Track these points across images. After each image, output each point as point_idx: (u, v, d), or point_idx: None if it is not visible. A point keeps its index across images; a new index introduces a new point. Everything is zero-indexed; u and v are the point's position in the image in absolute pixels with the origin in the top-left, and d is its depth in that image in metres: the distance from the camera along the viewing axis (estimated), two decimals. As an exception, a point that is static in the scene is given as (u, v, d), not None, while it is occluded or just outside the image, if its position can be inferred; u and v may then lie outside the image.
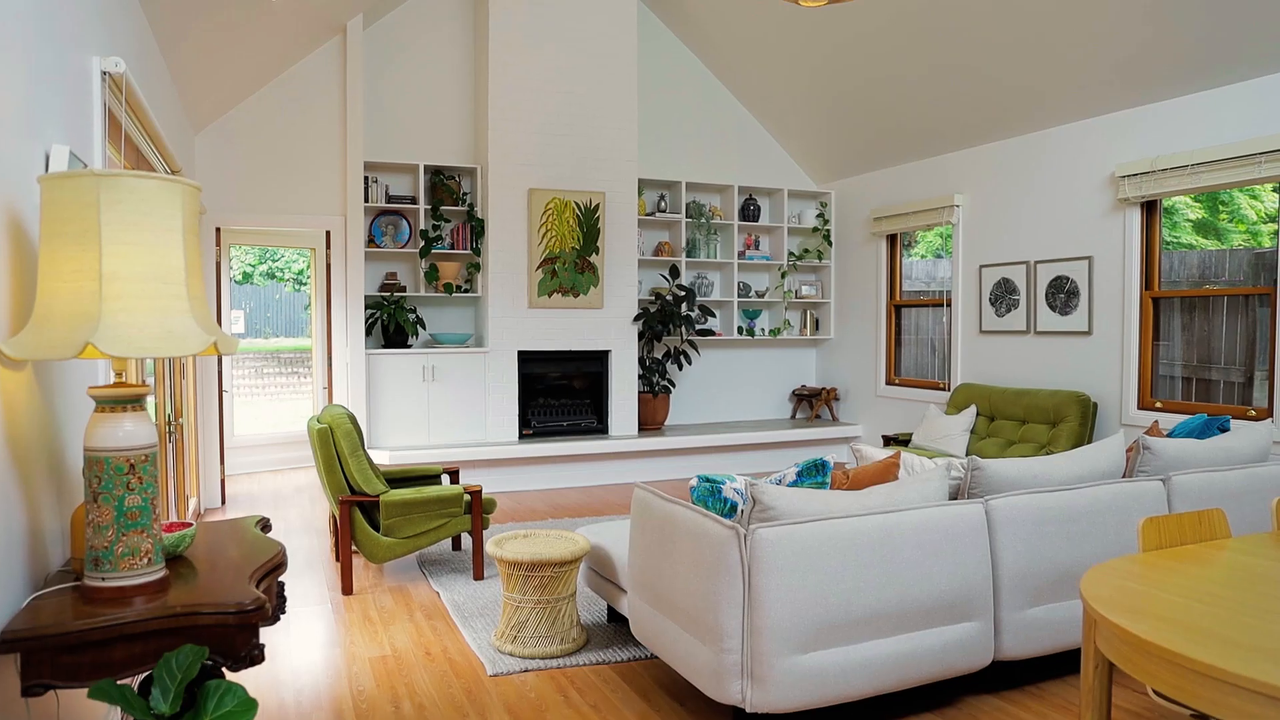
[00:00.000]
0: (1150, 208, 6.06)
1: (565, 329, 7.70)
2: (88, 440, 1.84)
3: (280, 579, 2.28)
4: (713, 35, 8.20)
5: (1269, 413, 5.33)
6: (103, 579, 1.83)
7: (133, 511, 1.85)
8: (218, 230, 6.95)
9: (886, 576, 2.88)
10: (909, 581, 2.92)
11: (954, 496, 3.41)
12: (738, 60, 8.32)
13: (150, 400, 4.50)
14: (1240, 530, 3.63)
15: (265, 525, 2.50)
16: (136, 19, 3.95)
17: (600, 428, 7.96)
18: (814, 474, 3.11)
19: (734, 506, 3.06)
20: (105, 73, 2.95)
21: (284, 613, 2.31)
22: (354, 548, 4.80)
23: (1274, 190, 5.60)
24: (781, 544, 2.73)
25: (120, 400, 1.88)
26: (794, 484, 3.11)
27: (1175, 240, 6.07)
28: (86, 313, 1.75)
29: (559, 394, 7.97)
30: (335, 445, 4.72)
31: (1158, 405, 5.98)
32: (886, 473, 3.34)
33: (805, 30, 7.24)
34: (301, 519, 6.40)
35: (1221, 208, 5.95)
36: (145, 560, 1.87)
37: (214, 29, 5.25)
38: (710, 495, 3.06)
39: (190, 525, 2.19)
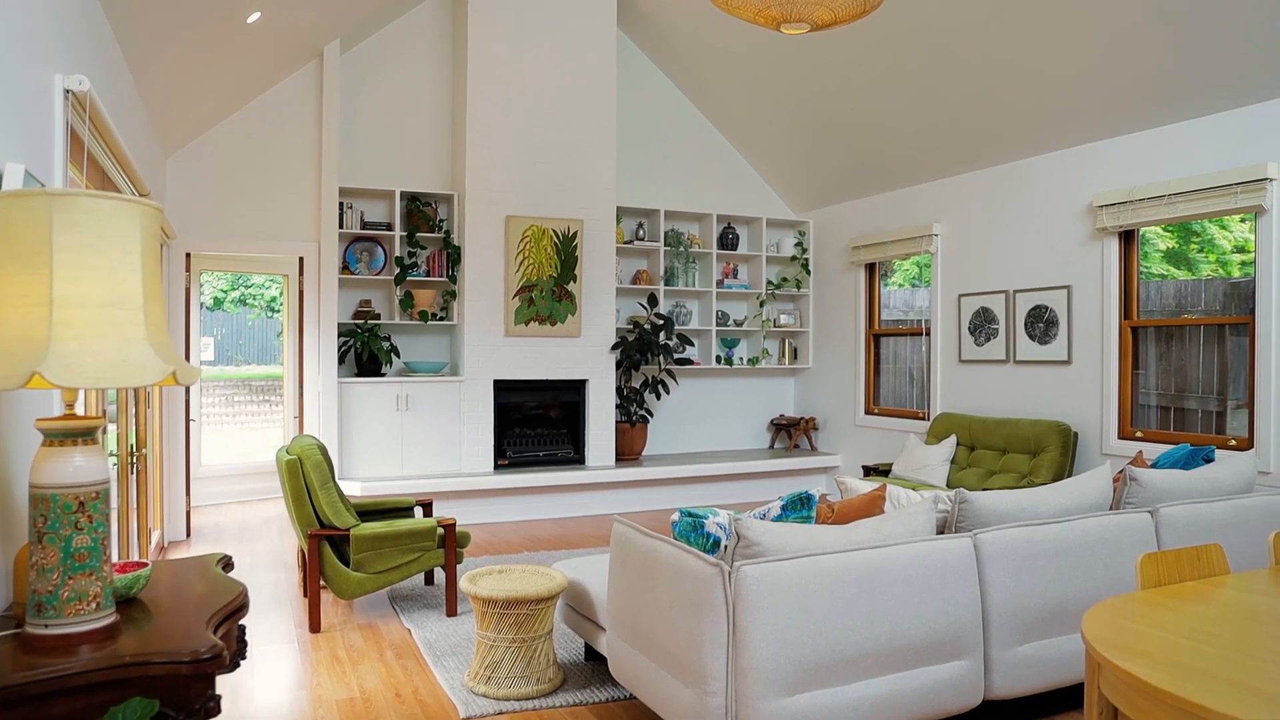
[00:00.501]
0: (1128, 237, 6.08)
1: (542, 358, 7.60)
2: (33, 476, 1.73)
3: (241, 622, 2.16)
4: (691, 63, 8.21)
5: (1249, 442, 5.32)
6: (46, 626, 1.71)
7: (81, 553, 1.73)
8: (188, 256, 6.81)
9: (874, 614, 2.79)
10: (897, 619, 2.83)
11: (941, 530, 3.33)
12: (716, 88, 8.32)
13: (111, 429, 4.35)
14: (1231, 563, 3.57)
15: (227, 564, 2.38)
16: (105, 38, 3.86)
17: (577, 458, 7.84)
18: (799, 508, 3.03)
19: (717, 542, 2.97)
20: (68, 91, 2.84)
21: (244, 658, 2.19)
22: (323, 583, 4.65)
23: (1241, 220, 5.63)
24: (767, 581, 2.63)
25: (70, 433, 1.76)
26: (779, 518, 3.03)
27: (1147, 270, 6.08)
28: (35, 340, 1.65)
29: (535, 424, 7.86)
30: (304, 477, 4.58)
31: (1138, 435, 5.96)
32: (872, 506, 3.26)
33: (784, 59, 7.25)
34: (269, 553, 6.22)
35: (1193, 238, 5.98)
36: (93, 605, 1.75)
37: (187, 52, 5.16)
38: (692, 530, 2.97)
39: (145, 565, 2.07)
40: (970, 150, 6.97)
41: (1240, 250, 5.79)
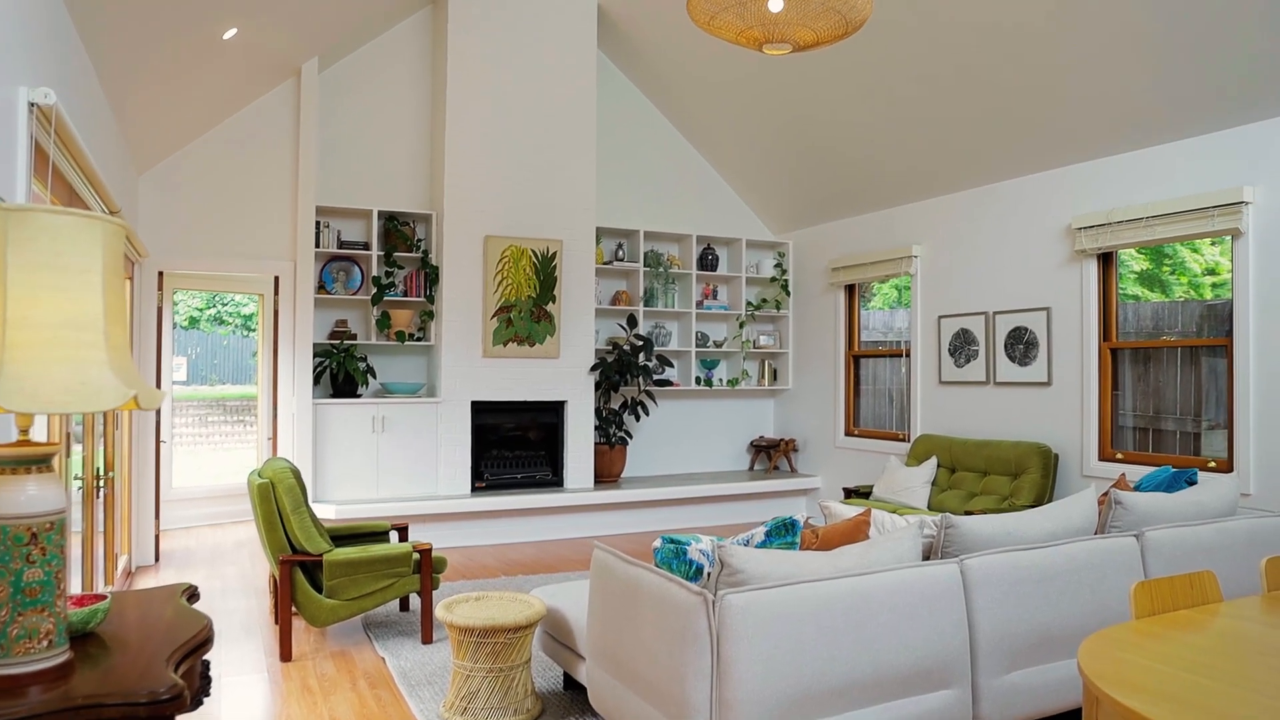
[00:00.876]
0: (1106, 259, 6.10)
1: (520, 379, 7.52)
2: (-16, 506, 1.63)
3: (205, 657, 2.06)
4: (671, 84, 8.20)
5: (1229, 464, 5.32)
6: (-5, 665, 1.61)
7: (32, 588, 1.64)
8: (160, 274, 6.69)
9: (861, 643, 2.73)
10: (884, 648, 2.77)
11: (927, 555, 3.28)
12: (696, 110, 8.32)
13: (77, 452, 4.23)
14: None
15: (192, 595, 2.28)
16: (75, 52, 3.77)
17: (555, 480, 7.75)
18: (783, 534, 2.96)
19: (700, 569, 2.90)
20: (33, 104, 2.76)
21: (208, 695, 2.09)
22: (295, 610, 4.53)
23: (1212, 244, 5.67)
24: (752, 610, 2.57)
25: (23, 461, 1.68)
26: (763, 545, 2.96)
27: (1122, 292, 6.11)
28: (-14, 363, 1.56)
29: (513, 445, 7.76)
30: (277, 501, 4.47)
31: (1118, 456, 5.96)
32: (857, 531, 3.21)
33: (764, 81, 7.26)
34: (240, 578, 6.08)
35: (1165, 260, 6.01)
36: (45, 643, 1.66)
37: (161, 67, 5.08)
38: (675, 557, 2.90)
39: (103, 598, 1.97)
40: (950, 172, 6.99)
41: (1211, 273, 5.83)
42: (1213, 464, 5.42)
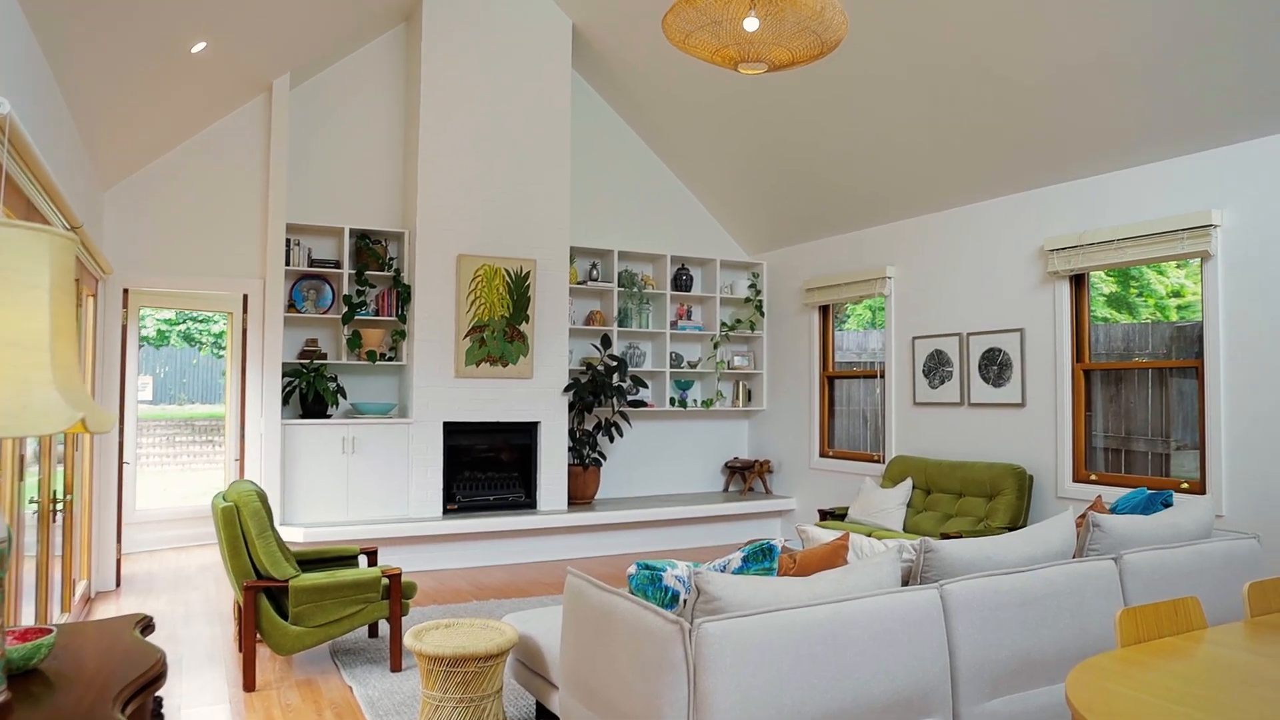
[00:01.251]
0: (1078, 281, 6.13)
1: (493, 399, 7.43)
2: (-81, 536, 1.54)
3: (158, 694, 1.97)
4: (646, 105, 8.19)
5: (1202, 485, 5.33)
6: (-73, 706, 1.52)
7: (-31, 622, 1.55)
8: (125, 291, 6.55)
9: (841, 671, 2.66)
10: (864, 676, 2.71)
11: (906, 580, 3.23)
12: (670, 130, 8.31)
13: (34, 474, 4.09)
14: (1193, 612, 3.52)
15: (146, 626, 2.18)
16: (34, 62, 3.68)
17: (528, 502, 7.65)
18: (761, 559, 2.90)
19: (675, 596, 2.83)
20: (-13, 116, 2.67)
21: (160, 733, 1.99)
22: (259, 638, 4.40)
23: (1177, 266, 5.71)
24: (730, 639, 2.50)
25: (-37, 487, 1.59)
26: (740, 570, 2.90)
27: (1092, 314, 6.14)
28: (-77, 384, 1.47)
29: (486, 467, 7.65)
30: (242, 525, 4.35)
31: (1092, 478, 5.96)
32: (835, 556, 3.15)
33: (738, 101, 7.26)
34: (205, 603, 5.92)
35: (1132, 282, 6.05)
36: (-17, 681, 1.56)
37: (128, 82, 4.98)
38: (650, 584, 2.83)
39: (49, 632, 1.87)
40: (923, 193, 7.01)
41: (1176, 295, 5.87)
42: (1185, 485, 5.43)
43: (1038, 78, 5.45)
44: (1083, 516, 4.04)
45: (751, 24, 4.30)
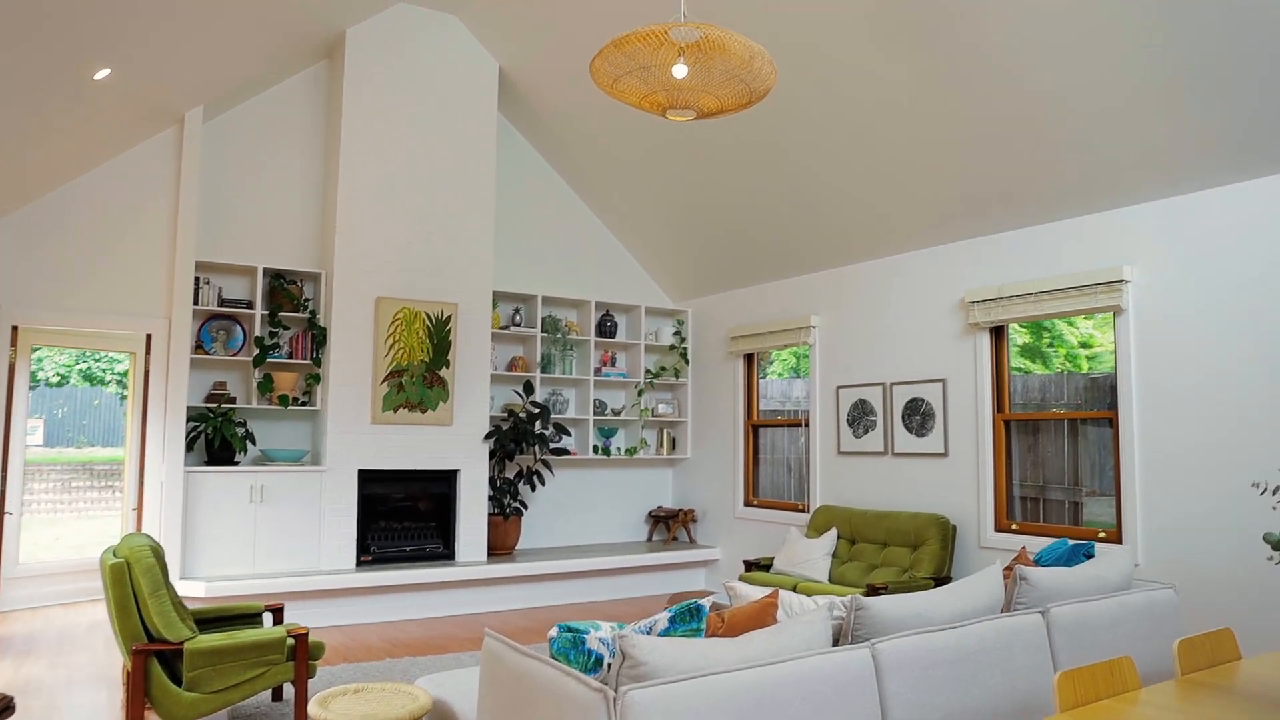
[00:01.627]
0: (998, 333, 6.23)
1: (411, 446, 7.19)
2: None
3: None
4: (572, 149, 8.15)
5: (1119, 535, 5.41)
6: None
7: None
8: (14, 329, 6.16)
9: (772, 738, 2.55)
10: (796, 742, 2.59)
11: (837, 639, 3.15)
12: (596, 175, 8.29)
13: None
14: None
15: (6, 707, 1.95)
16: (-85, 87, 3.43)
17: (446, 553, 7.38)
18: (688, 620, 2.78)
19: (599, 659, 2.69)
20: None
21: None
22: (149, 705, 4.08)
23: (1085, 319, 5.86)
24: (657, 707, 2.36)
25: None
26: (666, 632, 2.77)
27: (1010, 364, 6.25)
28: None
29: (402, 516, 7.38)
30: (133, 583, 4.05)
31: (1014, 527, 6.01)
32: (764, 614, 3.05)
33: (664, 148, 7.28)
34: (92, 666, 5.51)
35: (1044, 334, 6.19)
36: None
37: (21, 105, 4.71)
38: (572, 647, 2.68)
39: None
40: (849, 244, 7.09)
41: (1085, 345, 6.02)
42: (1103, 535, 5.51)
43: (959, 133, 5.57)
44: (1009, 569, 4.03)
45: (680, 71, 4.28)
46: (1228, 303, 4.94)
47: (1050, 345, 6.21)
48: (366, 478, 7.07)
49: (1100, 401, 5.72)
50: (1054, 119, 5.13)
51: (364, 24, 7.12)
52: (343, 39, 7.09)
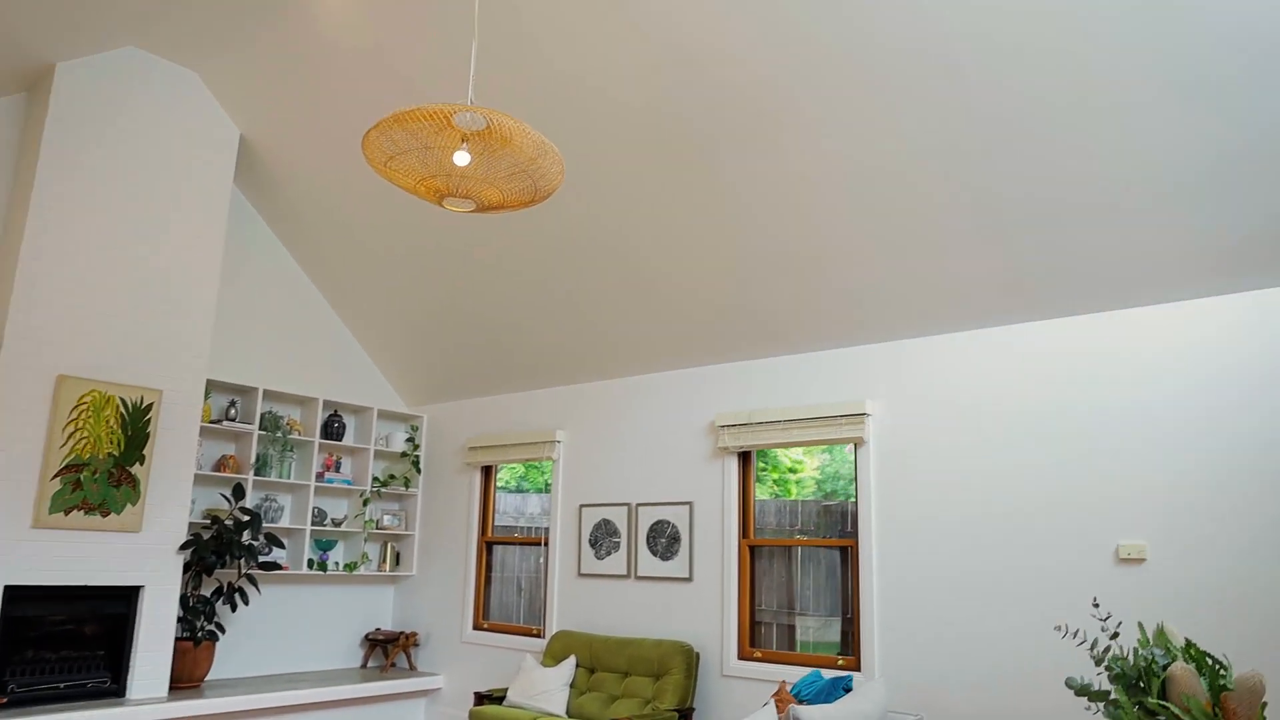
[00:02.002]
0: (745, 458, 6.32)
1: (85, 557, 5.97)
2: None
3: None
4: (312, 234, 7.52)
5: (856, 663, 5.50)
6: None
7: None
8: None
9: None
10: None
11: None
12: (336, 265, 7.68)
13: None
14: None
15: None
16: None
17: (115, 689, 6.12)
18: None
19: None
20: None
21: None
22: None
23: (823, 450, 6.13)
24: None
25: None
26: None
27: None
28: None
29: (60, 644, 6.05)
30: None
31: (757, 655, 5.96)
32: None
33: (407, 244, 6.88)
34: None
35: (762, 458, 6.34)
36: None
37: None
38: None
39: None
40: (597, 359, 6.99)
41: (793, 471, 6.26)
42: (841, 662, 5.58)
43: (708, 261, 5.69)
44: (778, 704, 3.88)
45: (462, 158, 4.00)
46: (961, 441, 5.31)
47: (764, 469, 6.34)
48: (15, 595, 5.75)
49: (832, 529, 5.92)
50: (790, 255, 5.36)
51: (80, 61, 6.20)
52: (51, 72, 6.11)
